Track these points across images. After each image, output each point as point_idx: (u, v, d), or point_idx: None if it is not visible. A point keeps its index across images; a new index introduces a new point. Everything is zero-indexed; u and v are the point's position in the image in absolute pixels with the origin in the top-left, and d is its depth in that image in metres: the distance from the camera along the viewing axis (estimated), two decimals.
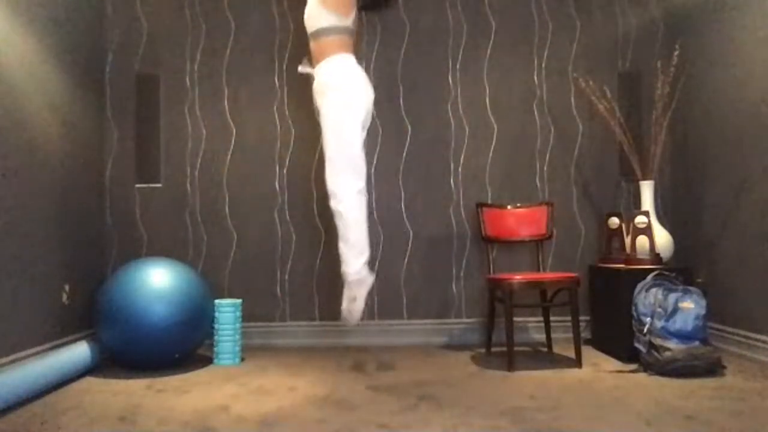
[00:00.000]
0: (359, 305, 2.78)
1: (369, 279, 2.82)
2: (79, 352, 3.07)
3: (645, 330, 3.02)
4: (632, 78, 3.98)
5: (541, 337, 3.71)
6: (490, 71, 3.99)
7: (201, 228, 3.93)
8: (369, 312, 3.89)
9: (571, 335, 3.21)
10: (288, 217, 3.94)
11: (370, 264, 2.88)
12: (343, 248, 2.80)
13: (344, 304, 2.83)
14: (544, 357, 3.47)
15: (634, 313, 3.12)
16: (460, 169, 3.97)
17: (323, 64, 2.86)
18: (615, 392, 2.67)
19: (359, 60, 3.03)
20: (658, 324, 2.99)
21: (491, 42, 3.99)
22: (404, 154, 3.97)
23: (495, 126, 3.98)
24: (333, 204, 2.80)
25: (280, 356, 3.54)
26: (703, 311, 3.00)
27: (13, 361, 2.77)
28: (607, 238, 3.71)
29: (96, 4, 3.84)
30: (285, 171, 3.95)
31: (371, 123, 2.99)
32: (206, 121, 3.96)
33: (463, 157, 3.97)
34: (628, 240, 3.49)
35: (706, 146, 3.63)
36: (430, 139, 3.97)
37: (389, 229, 3.94)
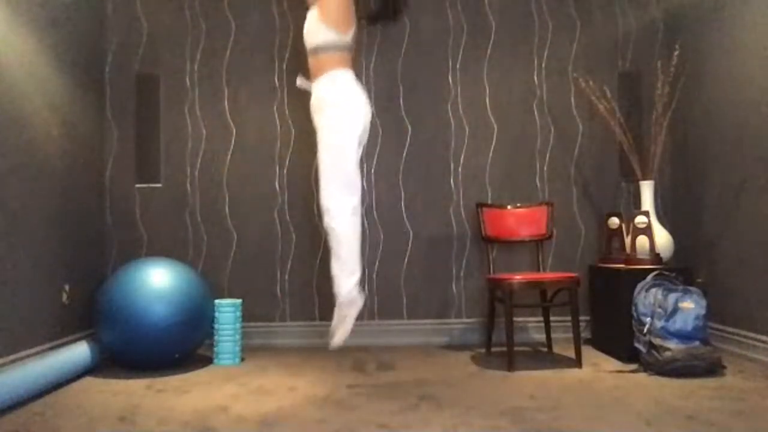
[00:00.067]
0: (348, 326, 2.75)
1: (359, 300, 2.79)
2: (79, 352, 3.07)
3: (645, 330, 3.02)
4: (632, 78, 3.98)
5: (541, 337, 3.71)
6: (490, 71, 3.99)
7: (201, 228, 3.93)
8: (369, 312, 3.90)
9: (571, 335, 3.21)
10: (288, 217, 3.94)
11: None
12: (335, 267, 2.77)
13: (334, 321, 2.81)
14: (544, 357, 3.47)
15: (634, 313, 3.12)
16: (460, 169, 3.97)
17: (321, 80, 2.84)
18: (615, 392, 2.67)
19: (358, 74, 3.02)
20: (658, 324, 2.99)
21: (491, 42, 3.99)
22: (404, 154, 3.97)
23: (495, 126, 3.98)
24: (326, 220, 2.77)
25: (280, 356, 3.54)
26: (703, 311, 3.00)
27: (13, 361, 2.77)
28: (607, 238, 3.71)
29: (96, 4, 3.84)
30: (285, 171, 3.95)
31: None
32: (206, 121, 3.96)
33: (463, 157, 3.97)
34: (628, 240, 3.49)
35: (706, 146, 3.63)
36: (430, 139, 3.97)
37: (389, 229, 3.94)
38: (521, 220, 3.72)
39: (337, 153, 2.74)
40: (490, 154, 3.97)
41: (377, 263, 3.92)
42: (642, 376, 2.94)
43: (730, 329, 3.36)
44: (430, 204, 3.96)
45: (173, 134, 3.95)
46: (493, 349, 3.52)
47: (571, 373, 3.03)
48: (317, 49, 2.84)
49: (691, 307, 2.99)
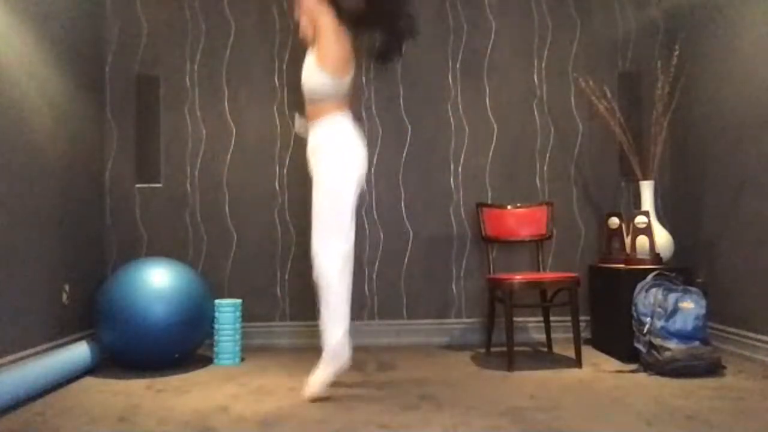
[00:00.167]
0: (327, 379, 2.63)
1: (345, 355, 2.67)
2: (79, 352, 3.07)
3: (645, 330, 3.02)
4: (632, 78, 3.98)
5: (541, 337, 3.71)
6: (490, 71, 3.99)
7: (201, 228, 3.93)
8: (369, 312, 3.90)
9: (571, 335, 3.21)
10: (288, 217, 3.94)
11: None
12: (324, 315, 2.68)
13: (317, 373, 2.66)
14: (544, 357, 3.47)
15: (634, 313, 3.11)
16: (460, 169, 3.97)
17: (319, 125, 2.81)
18: (615, 392, 2.67)
19: (358, 114, 2.90)
20: (658, 324, 2.99)
21: (491, 42, 3.99)
22: (404, 154, 3.97)
23: (495, 126, 3.98)
24: (316, 264, 2.69)
25: (280, 356, 3.54)
26: (703, 311, 3.00)
27: (13, 361, 2.77)
28: (607, 238, 3.71)
29: (96, 4, 3.84)
30: (285, 171, 3.95)
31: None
32: (206, 121, 3.96)
33: (463, 157, 3.97)
34: (628, 240, 3.49)
35: (706, 146, 3.63)
36: (430, 139, 3.97)
37: (389, 229, 3.94)
38: (521, 220, 3.72)
39: (335, 197, 2.69)
40: (490, 154, 3.97)
41: (377, 263, 3.92)
42: (642, 376, 2.94)
43: (730, 329, 3.36)
44: (430, 204, 3.96)
45: (173, 134, 3.95)
46: (493, 349, 3.52)
47: (571, 373, 3.03)
48: (314, 98, 2.81)
49: (691, 307, 2.99)
